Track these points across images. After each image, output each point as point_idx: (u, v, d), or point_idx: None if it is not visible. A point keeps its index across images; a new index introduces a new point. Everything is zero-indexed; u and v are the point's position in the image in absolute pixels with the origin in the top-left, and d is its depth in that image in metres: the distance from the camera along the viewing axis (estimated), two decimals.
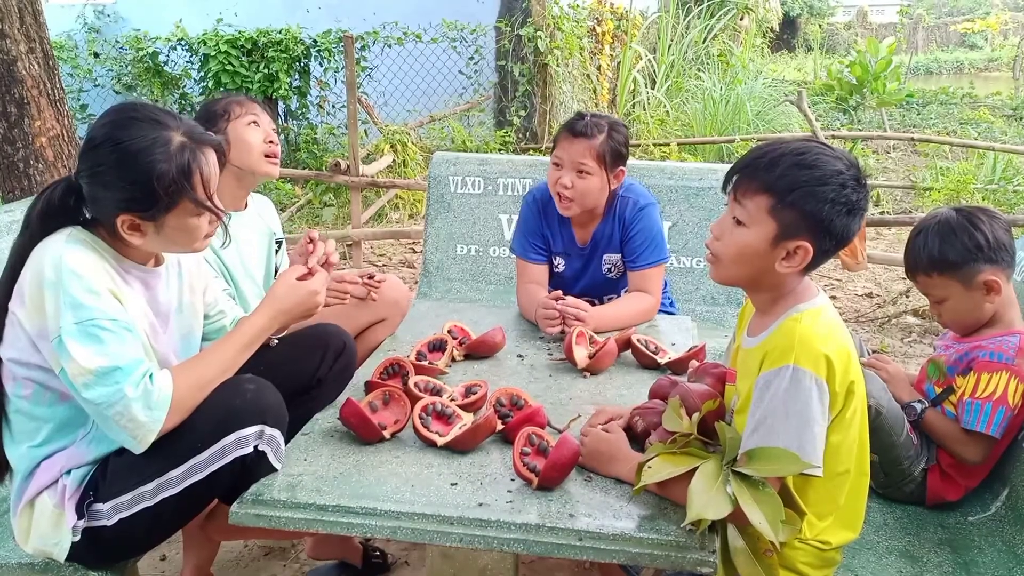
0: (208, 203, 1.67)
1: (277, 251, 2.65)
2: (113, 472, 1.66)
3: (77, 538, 1.65)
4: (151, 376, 1.59)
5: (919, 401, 2.00)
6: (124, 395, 1.55)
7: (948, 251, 1.94)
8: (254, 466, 1.64)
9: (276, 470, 1.65)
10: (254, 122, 2.37)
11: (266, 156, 2.39)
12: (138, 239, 1.66)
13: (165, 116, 1.66)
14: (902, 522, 1.94)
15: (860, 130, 10.10)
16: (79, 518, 1.65)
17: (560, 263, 2.76)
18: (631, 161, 2.82)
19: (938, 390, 2.04)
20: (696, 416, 1.57)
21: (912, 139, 9.01)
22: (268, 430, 1.67)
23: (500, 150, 8.02)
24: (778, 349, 1.49)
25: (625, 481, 1.61)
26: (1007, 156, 7.97)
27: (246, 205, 2.52)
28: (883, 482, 1.99)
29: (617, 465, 1.64)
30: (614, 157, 2.53)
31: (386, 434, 1.77)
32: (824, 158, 1.50)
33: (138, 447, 1.61)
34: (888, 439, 1.91)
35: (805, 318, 1.52)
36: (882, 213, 7.12)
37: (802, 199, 1.48)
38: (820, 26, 27.55)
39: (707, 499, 1.40)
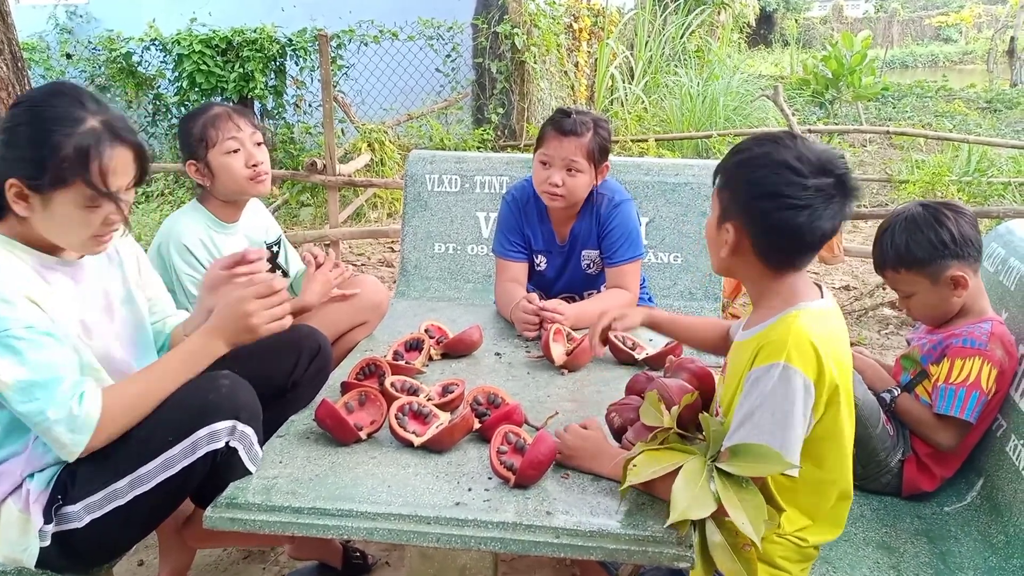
0: (104, 193, 1.61)
1: (276, 253, 2.64)
2: (83, 471, 1.64)
3: (47, 543, 1.63)
4: (80, 396, 1.56)
5: (890, 390, 2.02)
6: (46, 416, 1.53)
7: (914, 248, 1.95)
8: (226, 466, 1.62)
9: (250, 472, 1.64)
10: (234, 150, 2.35)
11: (252, 179, 2.38)
12: (23, 209, 1.60)
13: (92, 102, 1.63)
14: (879, 513, 1.95)
15: (836, 124, 10.16)
16: (47, 522, 1.63)
17: (543, 261, 2.76)
18: (610, 158, 2.82)
19: (913, 378, 2.05)
20: (675, 410, 1.57)
21: (888, 132, 9.06)
22: (241, 426, 1.65)
23: (479, 148, 8.00)
24: (772, 345, 1.48)
25: (606, 477, 1.61)
26: (981, 148, 8.04)
27: (239, 217, 2.52)
28: (860, 474, 2.00)
29: (597, 461, 1.64)
30: (601, 153, 2.55)
31: (362, 435, 1.76)
32: (782, 150, 1.49)
33: (68, 459, 1.60)
34: (864, 431, 1.92)
35: (803, 316, 1.50)
36: (859, 206, 7.16)
37: (735, 181, 1.53)
38: (796, 21, 27.69)
39: (691, 498, 1.39)
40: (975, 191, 7.17)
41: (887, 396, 2.01)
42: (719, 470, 1.43)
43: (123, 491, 1.62)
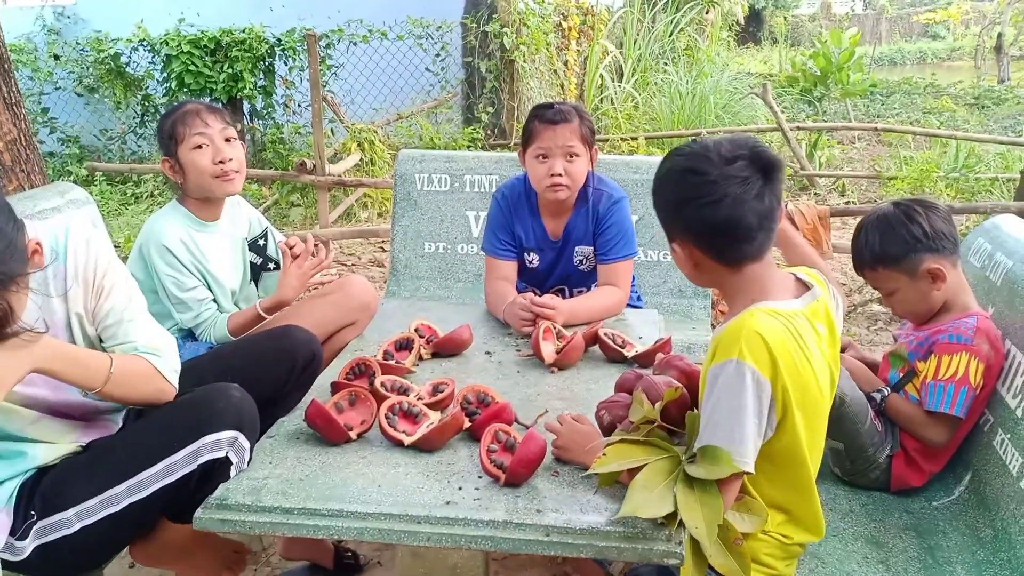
0: None
1: (264, 245, 2.63)
2: (71, 477, 1.63)
3: (21, 556, 1.61)
4: None
5: (879, 390, 2.04)
6: None
7: (889, 245, 2.00)
8: (214, 478, 1.62)
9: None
10: (200, 145, 2.35)
11: (218, 177, 2.37)
12: None
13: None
14: (867, 508, 1.96)
15: (825, 121, 10.18)
16: (19, 537, 1.61)
17: (534, 258, 2.77)
18: (600, 155, 2.84)
19: (901, 377, 2.06)
20: (659, 404, 1.57)
21: (876, 129, 9.11)
22: (242, 439, 1.67)
23: (468, 147, 8.00)
24: (725, 341, 1.48)
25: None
26: (969, 144, 8.08)
27: (220, 215, 2.52)
28: (849, 469, 2.02)
29: (592, 455, 1.63)
30: (591, 135, 2.59)
31: (352, 435, 1.76)
32: (680, 160, 1.55)
33: None
34: (853, 426, 1.94)
35: (759, 313, 1.48)
36: (848, 203, 7.20)
37: (659, 204, 1.62)
38: (785, 18, 27.71)
39: (646, 498, 1.41)
40: (963, 187, 7.21)
41: (877, 396, 2.03)
42: (687, 473, 1.43)
43: (120, 497, 1.61)
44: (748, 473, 1.45)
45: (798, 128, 8.35)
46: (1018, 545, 1.66)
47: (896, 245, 1.99)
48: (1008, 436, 1.82)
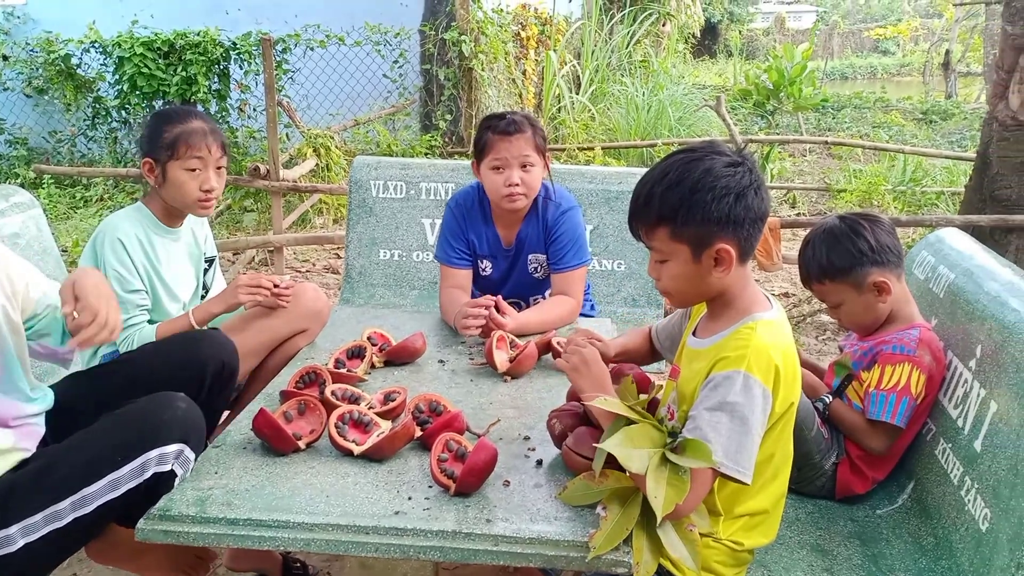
0: None
1: (207, 270, 2.60)
2: (9, 493, 1.59)
3: None
4: None
5: (822, 398, 2.07)
6: None
7: (835, 258, 2.03)
8: (159, 490, 1.60)
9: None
10: (194, 169, 2.32)
11: (199, 201, 2.36)
12: None
13: None
14: (813, 516, 1.99)
15: (777, 134, 10.35)
16: None
17: (487, 266, 2.77)
18: (555, 165, 2.86)
19: (848, 389, 2.10)
20: (645, 397, 1.62)
21: (827, 142, 9.29)
22: (188, 451, 1.65)
23: (426, 154, 7.99)
24: (732, 354, 1.51)
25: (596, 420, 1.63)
26: (916, 158, 8.28)
27: (182, 223, 2.49)
28: (795, 477, 2.03)
29: (596, 392, 1.62)
30: (544, 144, 2.61)
31: (301, 444, 1.74)
32: (687, 166, 1.54)
33: None
34: (800, 434, 1.96)
35: (760, 327, 1.54)
36: (798, 215, 7.32)
37: (689, 214, 1.53)
38: (740, 32, 28.20)
39: (629, 451, 1.43)
40: (910, 200, 7.37)
41: (820, 405, 2.06)
42: (665, 456, 1.45)
43: (64, 512, 1.58)
44: (745, 483, 1.48)
45: (751, 141, 8.48)
46: (959, 553, 1.69)
47: (842, 259, 2.03)
48: (949, 446, 1.86)
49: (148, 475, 1.60)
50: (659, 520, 1.40)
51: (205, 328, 2.30)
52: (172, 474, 1.63)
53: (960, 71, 17.45)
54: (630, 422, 1.53)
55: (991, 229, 4.68)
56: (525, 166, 2.54)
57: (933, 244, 2.39)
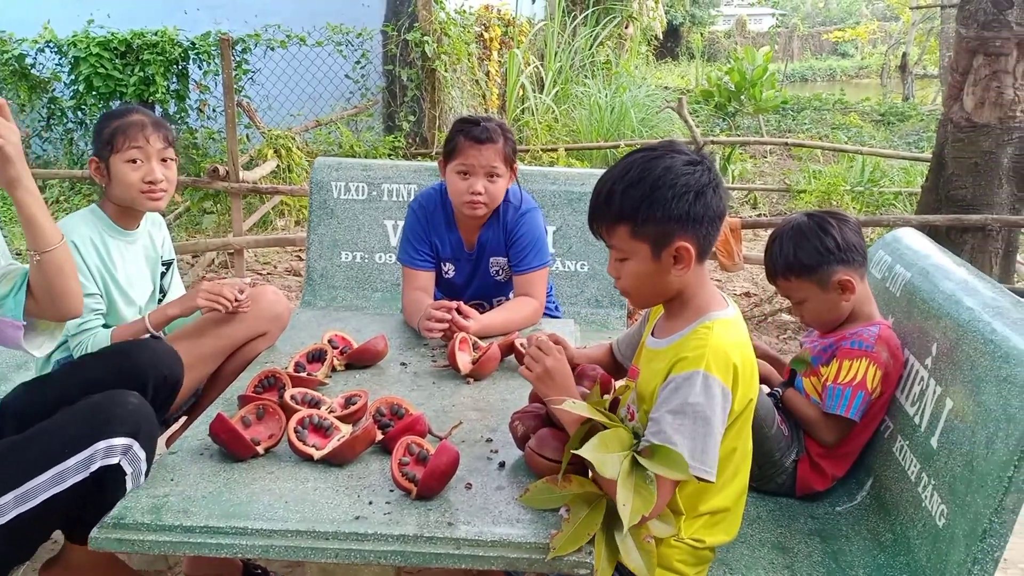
0: None
1: (164, 273, 2.56)
2: None
3: None
4: None
5: (774, 392, 2.10)
6: None
7: (802, 255, 2.05)
8: (107, 489, 1.56)
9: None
10: (134, 160, 2.28)
11: (144, 192, 2.31)
12: None
13: None
14: (774, 514, 2.00)
15: (738, 135, 10.46)
16: None
17: (450, 269, 2.76)
18: (518, 166, 2.85)
19: (804, 381, 2.12)
20: (607, 397, 1.64)
21: (787, 143, 9.40)
22: (137, 448, 1.61)
23: (390, 155, 7.95)
24: (690, 355, 1.52)
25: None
26: (874, 159, 8.41)
27: (139, 225, 2.44)
28: (756, 475, 2.04)
29: (561, 398, 1.60)
30: (514, 154, 2.60)
31: (260, 449, 1.71)
32: (647, 164, 1.54)
33: None
34: (760, 431, 1.97)
35: (717, 327, 1.55)
36: (759, 215, 7.39)
37: (650, 212, 1.53)
38: (702, 35, 28.44)
39: (603, 457, 1.42)
40: (868, 200, 7.49)
41: (775, 392, 2.09)
42: (634, 460, 1.45)
43: (7, 507, 1.54)
44: (710, 481, 1.49)
45: (712, 142, 8.55)
46: (916, 549, 1.71)
47: (809, 255, 2.04)
48: (907, 442, 1.88)
49: (95, 467, 1.56)
50: (624, 530, 1.40)
51: (147, 337, 2.23)
52: (120, 472, 1.58)
53: (917, 73, 17.76)
54: (596, 425, 1.53)
55: (947, 229, 4.76)
56: (492, 176, 2.53)
57: (890, 244, 2.42)
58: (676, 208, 1.51)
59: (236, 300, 2.31)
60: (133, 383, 1.85)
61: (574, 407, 1.51)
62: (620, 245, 1.59)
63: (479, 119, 2.58)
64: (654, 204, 1.52)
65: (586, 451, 1.43)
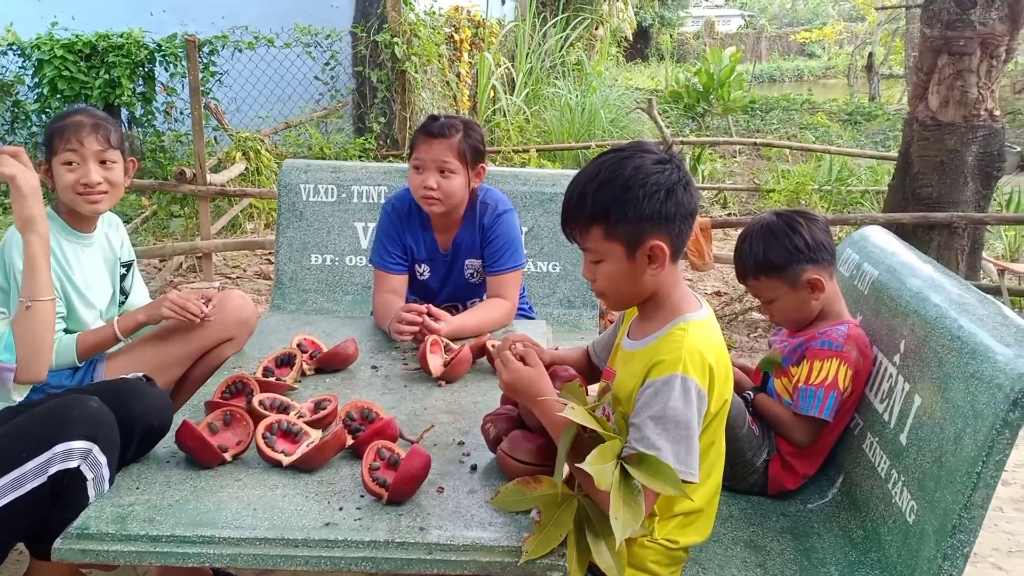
0: None
1: (124, 276, 2.52)
2: None
3: None
4: None
5: (746, 394, 2.11)
6: None
7: (772, 254, 2.05)
8: (69, 497, 1.53)
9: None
10: (70, 162, 2.24)
11: (80, 195, 2.26)
12: None
13: None
14: (746, 513, 2.01)
15: (708, 136, 10.53)
16: None
17: (425, 270, 2.74)
18: (489, 168, 2.83)
19: (775, 382, 2.13)
20: (605, 397, 1.62)
21: (755, 144, 9.48)
22: (97, 452, 1.58)
23: (360, 157, 7.90)
24: (667, 357, 1.51)
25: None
26: (842, 159, 8.50)
27: (95, 227, 2.39)
28: (728, 474, 2.05)
29: (542, 406, 1.60)
30: (474, 154, 2.55)
31: (227, 456, 1.69)
32: (618, 165, 1.54)
33: None
34: (732, 432, 1.97)
35: (692, 328, 1.55)
36: (729, 215, 7.44)
37: (621, 212, 1.53)
38: (671, 36, 28.61)
39: (601, 468, 1.40)
40: (836, 199, 7.56)
41: (746, 396, 2.10)
42: (623, 469, 1.44)
43: None
44: (694, 483, 1.49)
45: (682, 143, 8.60)
46: (887, 545, 1.72)
47: (779, 255, 2.05)
48: (876, 439, 1.90)
49: (53, 471, 1.53)
50: (618, 543, 1.38)
51: (140, 378, 2.07)
52: (81, 477, 1.55)
53: (883, 73, 18.00)
54: (586, 430, 1.52)
55: (913, 227, 4.82)
56: (444, 172, 2.51)
57: (858, 242, 2.44)
58: (648, 207, 1.51)
59: (202, 312, 2.28)
60: (123, 428, 1.74)
61: (573, 413, 1.49)
62: (594, 247, 1.58)
63: (442, 116, 2.57)
64: (626, 204, 1.52)
65: (588, 464, 1.40)
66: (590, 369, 1.98)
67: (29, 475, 1.53)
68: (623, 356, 1.69)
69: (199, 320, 2.28)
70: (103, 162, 2.28)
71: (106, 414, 1.64)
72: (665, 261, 1.56)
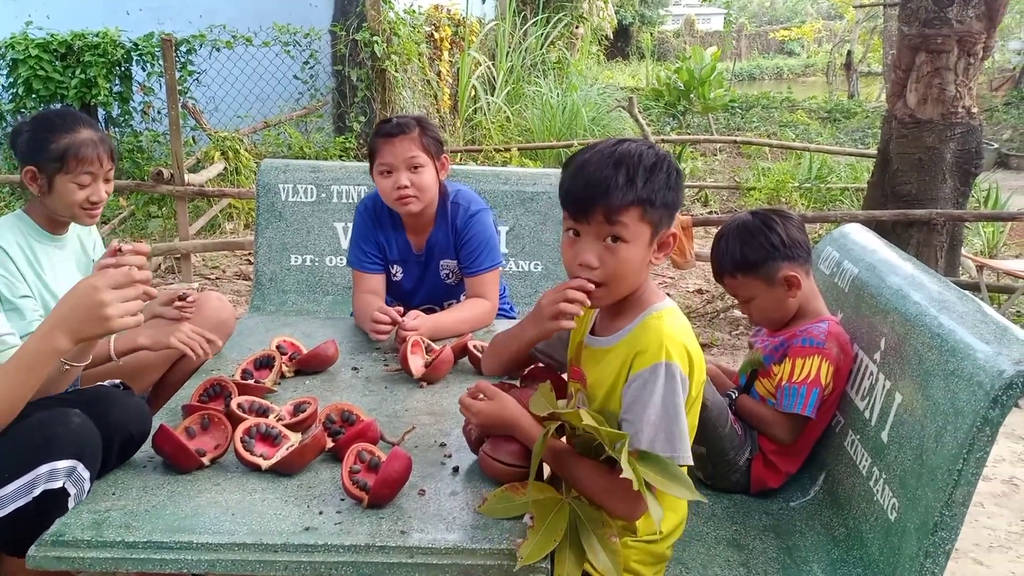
0: None
1: None
2: None
3: None
4: None
5: (728, 393, 2.11)
6: None
7: (748, 252, 2.07)
8: (50, 510, 1.50)
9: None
10: (85, 184, 2.21)
11: (85, 210, 2.25)
12: None
13: None
14: (729, 511, 2.00)
15: (688, 134, 10.56)
16: None
17: (398, 271, 2.72)
18: (470, 167, 2.82)
19: (757, 385, 2.13)
20: (579, 398, 1.63)
21: (735, 142, 9.51)
22: (81, 469, 1.55)
23: (340, 156, 7.86)
24: (650, 347, 1.51)
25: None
26: (822, 156, 8.54)
27: (67, 229, 2.36)
28: (710, 473, 2.06)
29: (518, 429, 1.60)
30: (436, 146, 2.55)
31: (205, 460, 1.66)
32: (650, 150, 1.54)
33: None
34: (714, 431, 1.98)
35: (666, 316, 1.56)
36: (710, 213, 7.46)
37: (663, 196, 1.51)
38: (652, 34, 28.68)
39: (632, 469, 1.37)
40: (816, 197, 7.59)
41: (729, 396, 2.10)
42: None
43: None
44: (689, 465, 1.50)
45: (663, 141, 8.62)
46: (869, 543, 1.72)
47: (755, 253, 2.06)
48: (858, 437, 1.90)
49: (37, 492, 1.50)
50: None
51: (117, 386, 2.04)
52: (64, 493, 1.53)
53: (861, 71, 18.13)
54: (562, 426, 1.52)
55: (893, 224, 4.85)
56: (415, 168, 2.49)
57: (837, 240, 2.44)
58: (679, 195, 1.55)
59: (206, 355, 2.24)
60: (103, 436, 1.68)
61: (581, 418, 1.48)
62: (628, 226, 1.50)
63: (392, 117, 2.57)
64: (668, 190, 1.52)
65: (627, 470, 1.36)
66: (527, 362, 1.93)
67: (12, 495, 1.50)
68: (591, 355, 1.67)
69: (205, 357, 2.25)
70: (106, 179, 2.28)
71: (89, 428, 1.61)
72: (669, 251, 1.57)
